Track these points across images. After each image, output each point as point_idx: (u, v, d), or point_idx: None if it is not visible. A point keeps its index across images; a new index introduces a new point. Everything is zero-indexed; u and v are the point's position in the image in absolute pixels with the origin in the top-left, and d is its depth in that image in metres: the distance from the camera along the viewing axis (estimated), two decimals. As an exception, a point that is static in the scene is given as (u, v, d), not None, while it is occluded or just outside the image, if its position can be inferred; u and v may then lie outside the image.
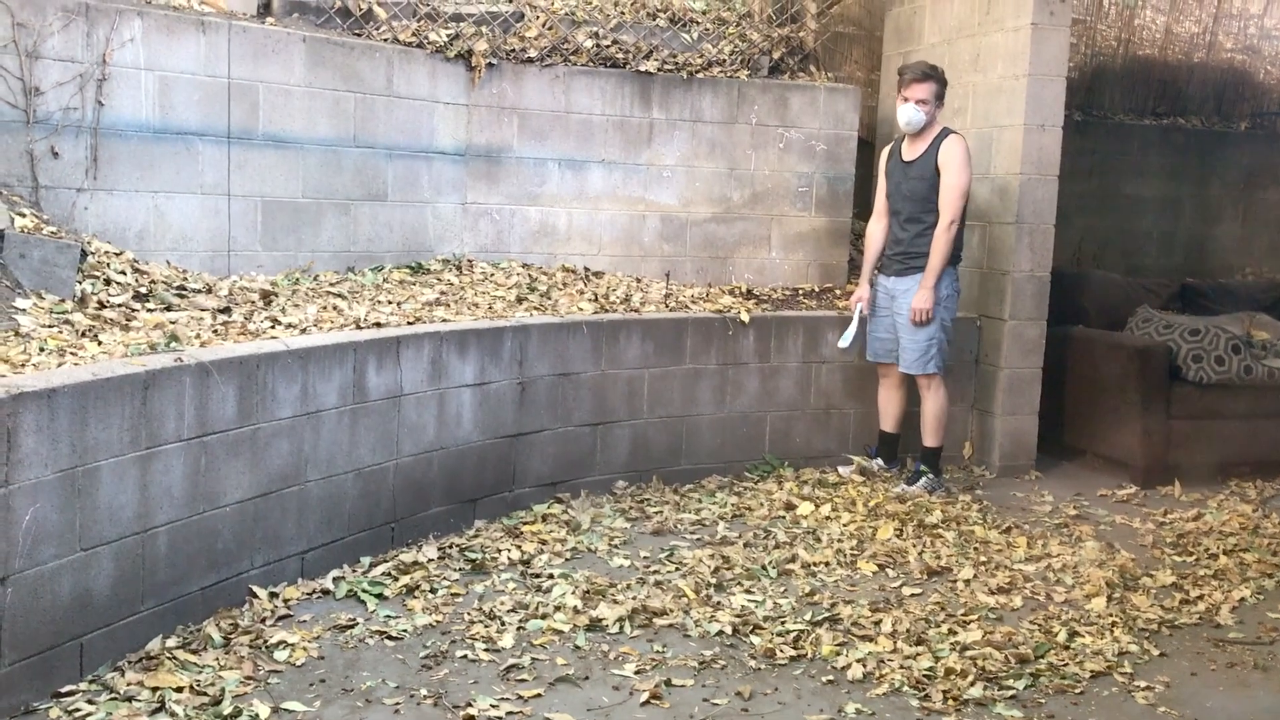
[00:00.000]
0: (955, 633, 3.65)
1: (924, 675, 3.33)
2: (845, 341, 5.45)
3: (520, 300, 5.12)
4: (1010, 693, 3.26)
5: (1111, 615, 3.86)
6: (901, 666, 3.38)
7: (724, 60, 6.14)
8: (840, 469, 5.48)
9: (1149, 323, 6.02)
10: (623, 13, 6.11)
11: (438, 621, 3.59)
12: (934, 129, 5.22)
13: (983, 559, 4.40)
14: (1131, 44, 7.96)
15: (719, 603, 3.84)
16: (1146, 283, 6.71)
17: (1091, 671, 3.42)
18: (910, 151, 5.26)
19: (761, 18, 6.37)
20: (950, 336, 5.31)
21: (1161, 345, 5.74)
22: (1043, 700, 3.24)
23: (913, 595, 4.00)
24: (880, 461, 5.49)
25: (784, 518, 4.80)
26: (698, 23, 6.23)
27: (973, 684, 3.28)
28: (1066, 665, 3.45)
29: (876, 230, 5.46)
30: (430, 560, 4.11)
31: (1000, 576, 4.20)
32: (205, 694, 2.98)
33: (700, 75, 6.02)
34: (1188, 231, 7.90)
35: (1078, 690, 3.31)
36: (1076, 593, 4.07)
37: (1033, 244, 5.68)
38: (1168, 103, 7.99)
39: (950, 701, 3.19)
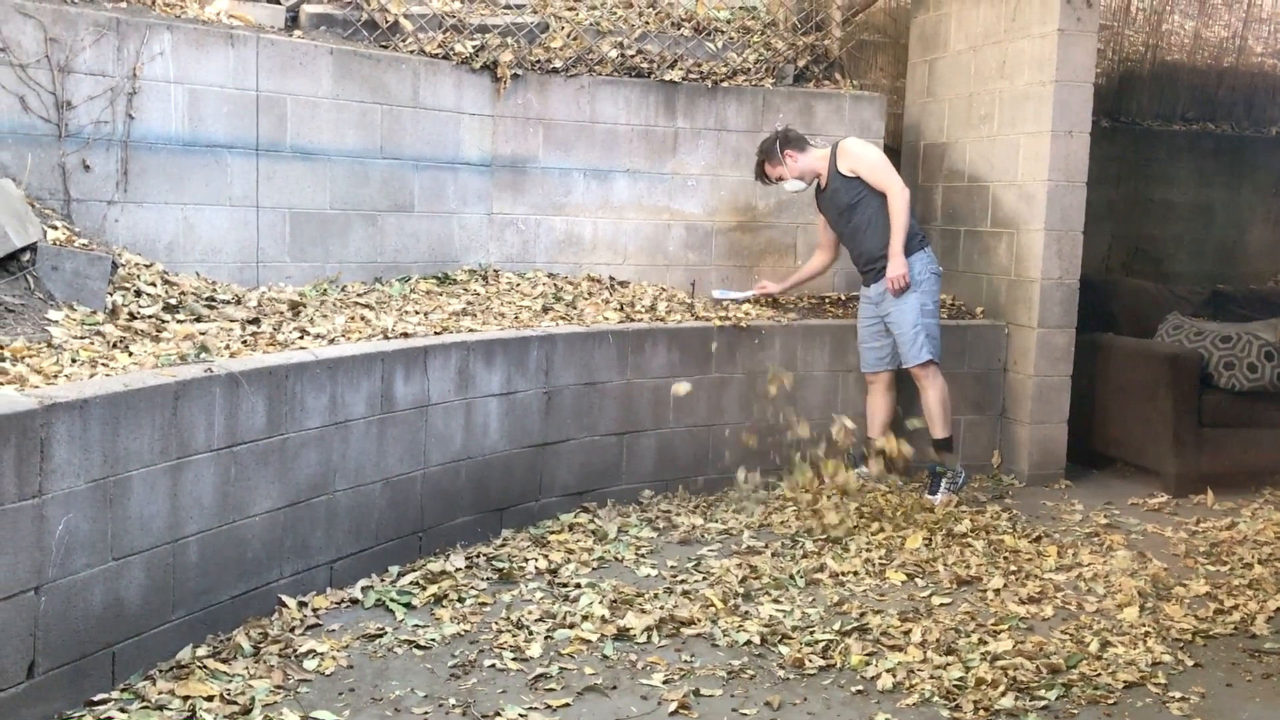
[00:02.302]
0: (986, 642, 3.62)
1: (954, 685, 3.30)
2: (721, 293, 5.79)
3: (546, 310, 5.13)
4: (1042, 703, 3.23)
5: (1144, 625, 3.82)
6: (931, 677, 3.36)
7: (749, 69, 6.14)
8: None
9: (1180, 330, 5.97)
10: (647, 23, 6.12)
11: (466, 631, 3.60)
12: (819, 157, 5.39)
13: (1013, 568, 4.37)
14: (1160, 49, 7.91)
15: (747, 612, 3.83)
16: (1177, 289, 6.65)
17: (1125, 682, 3.38)
18: (822, 181, 5.42)
19: (786, 26, 6.37)
20: (936, 320, 5.30)
21: (1193, 352, 5.69)
22: (1075, 711, 3.21)
23: (942, 605, 3.97)
24: (865, 469, 5.45)
25: (812, 527, 4.78)
26: (722, 31, 6.24)
27: (1004, 694, 3.25)
28: (1099, 675, 3.42)
29: (814, 260, 5.73)
30: (458, 569, 4.11)
31: (1031, 586, 4.17)
32: (235, 703, 3.00)
33: (725, 84, 6.02)
34: (1218, 237, 7.83)
35: (1111, 701, 3.27)
36: (1108, 602, 4.03)
37: (1061, 251, 5.65)
38: (1197, 108, 7.93)
39: (981, 712, 3.16)
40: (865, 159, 5.28)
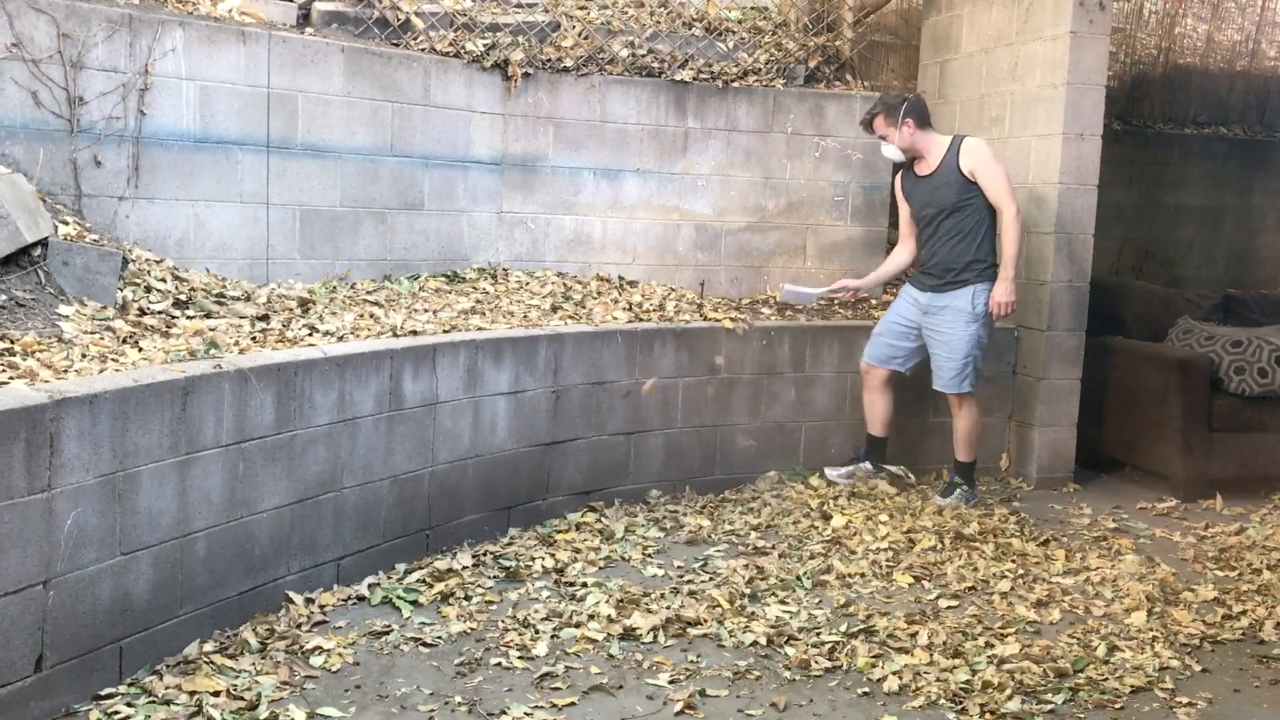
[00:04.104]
0: (992, 646, 3.61)
1: (961, 688, 3.29)
2: (790, 290, 5.48)
3: (555, 309, 5.13)
4: (1049, 707, 3.23)
5: (1152, 630, 3.81)
6: (938, 679, 3.35)
7: (759, 69, 6.13)
8: (828, 471, 5.38)
9: (1190, 334, 5.95)
10: (658, 22, 6.12)
11: (472, 629, 3.60)
12: (935, 141, 5.18)
13: (1020, 571, 4.36)
14: (1172, 52, 7.88)
15: (753, 613, 3.82)
16: (1187, 293, 6.63)
17: (1132, 686, 3.38)
18: (924, 167, 5.20)
19: (797, 27, 6.37)
20: (986, 354, 5.24)
21: (1203, 357, 5.67)
22: (1082, 715, 3.20)
23: (949, 608, 3.97)
24: (868, 465, 5.39)
25: (819, 528, 4.77)
26: (733, 32, 6.23)
27: (1010, 698, 3.24)
28: (1106, 680, 3.41)
29: (901, 253, 5.48)
30: (465, 568, 4.12)
31: (1038, 589, 4.16)
32: (242, 698, 3.00)
33: (735, 84, 6.02)
34: (1230, 242, 7.81)
35: (1118, 705, 3.27)
36: (1116, 606, 4.02)
37: (1071, 254, 5.63)
38: (1209, 111, 7.90)
39: (987, 715, 3.15)
40: (992, 168, 5.04)
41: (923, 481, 5.54)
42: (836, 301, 5.71)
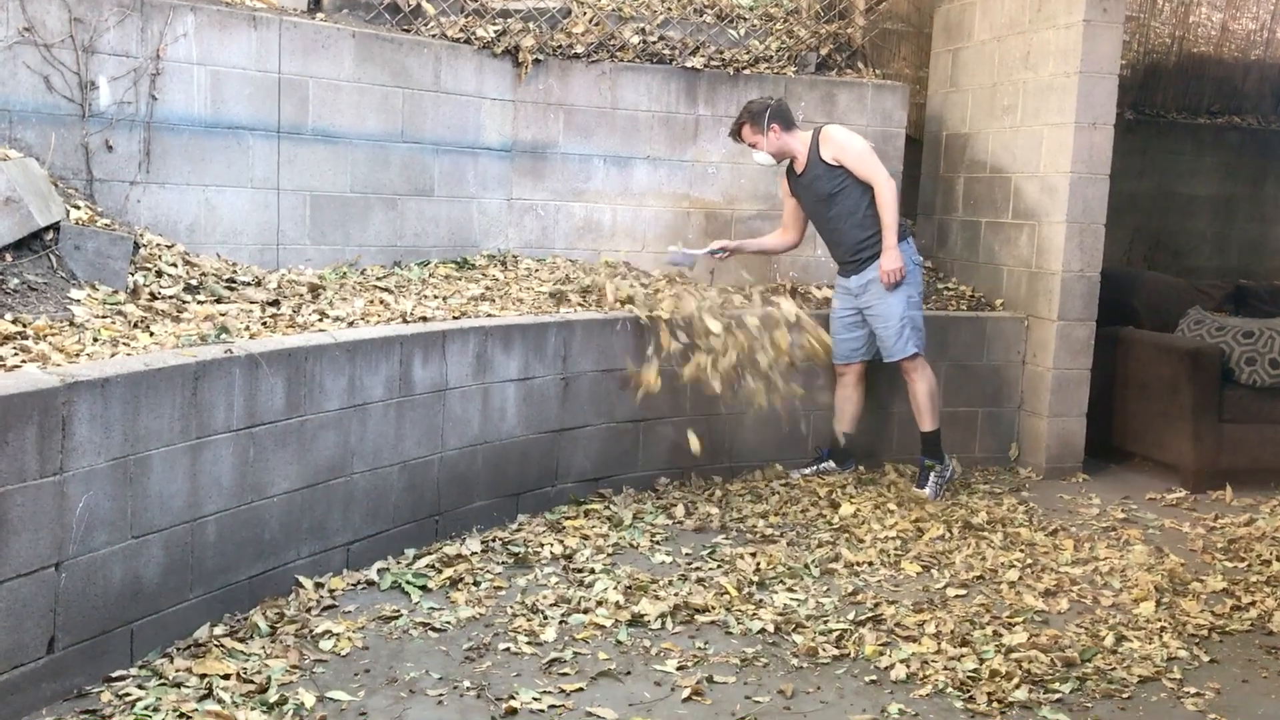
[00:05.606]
0: (1000, 635, 3.61)
1: (968, 677, 3.30)
2: (674, 257, 5.51)
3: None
4: (1056, 696, 3.23)
5: (1160, 620, 3.80)
6: (945, 668, 3.36)
7: (771, 56, 6.11)
8: (793, 473, 5.37)
9: (1201, 324, 5.93)
10: (670, 9, 6.10)
11: (480, 614, 3.61)
12: (800, 140, 5.21)
13: (1029, 561, 4.35)
14: (1186, 41, 7.84)
15: (761, 600, 3.83)
16: (1199, 284, 6.59)
17: (1139, 676, 3.37)
18: (799, 165, 5.25)
19: (809, 14, 6.34)
20: (921, 312, 5.23)
21: (1214, 347, 5.65)
22: (1089, 704, 3.20)
23: (957, 596, 3.97)
24: (832, 463, 5.39)
25: (827, 516, 4.77)
26: (745, 19, 6.21)
27: (1018, 686, 3.24)
28: (1114, 669, 3.41)
29: (779, 236, 5.53)
30: (473, 553, 4.13)
31: (1046, 579, 4.16)
32: (252, 682, 3.02)
33: (747, 71, 6.00)
34: (1242, 232, 7.78)
35: (1125, 695, 3.27)
36: (1124, 597, 4.02)
37: (1082, 243, 5.61)
38: (1223, 101, 7.86)
39: (995, 704, 3.16)
40: (850, 149, 5.12)
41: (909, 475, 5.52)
42: (719, 260, 5.60)
